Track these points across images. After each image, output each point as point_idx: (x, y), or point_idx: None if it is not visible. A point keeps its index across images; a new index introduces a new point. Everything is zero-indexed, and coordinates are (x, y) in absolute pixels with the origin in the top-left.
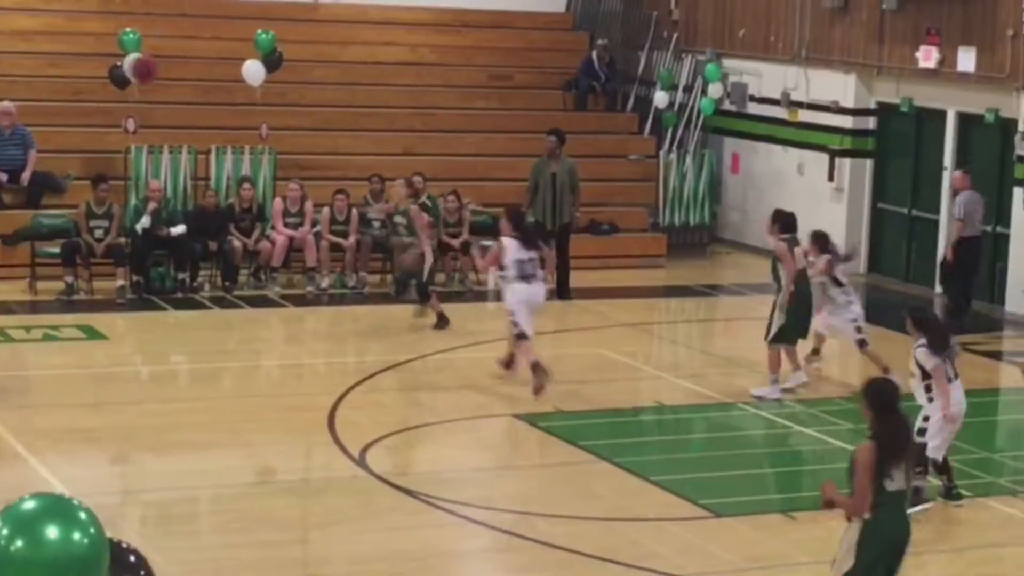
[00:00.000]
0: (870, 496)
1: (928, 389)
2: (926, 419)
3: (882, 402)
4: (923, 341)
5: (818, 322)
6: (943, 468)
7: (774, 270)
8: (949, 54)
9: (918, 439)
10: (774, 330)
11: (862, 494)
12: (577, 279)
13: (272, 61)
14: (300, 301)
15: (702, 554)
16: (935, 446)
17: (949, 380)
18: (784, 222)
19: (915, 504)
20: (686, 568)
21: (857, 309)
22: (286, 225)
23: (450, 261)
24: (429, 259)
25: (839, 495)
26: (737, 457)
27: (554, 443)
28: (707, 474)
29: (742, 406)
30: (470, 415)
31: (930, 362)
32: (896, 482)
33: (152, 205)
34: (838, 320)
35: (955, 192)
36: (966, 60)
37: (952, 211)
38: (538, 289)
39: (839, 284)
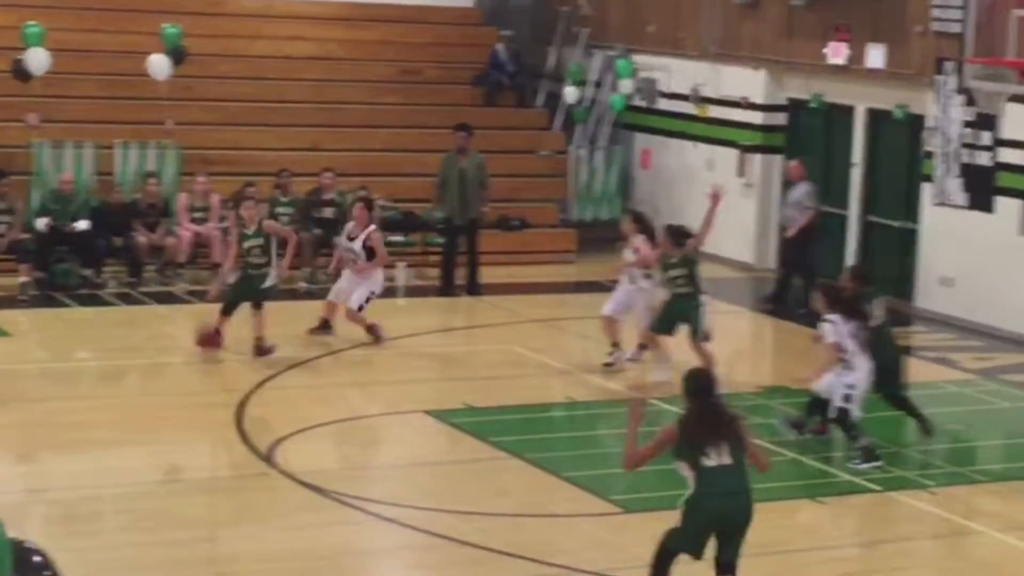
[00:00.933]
0: (640, 461)
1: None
2: (850, 386)
3: (692, 389)
4: (832, 317)
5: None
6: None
7: (692, 275)
8: (858, 50)
9: (842, 404)
10: (702, 328)
11: (639, 455)
12: (487, 275)
13: (177, 55)
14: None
15: (613, 549)
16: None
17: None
18: (677, 237)
19: (867, 461)
20: (597, 563)
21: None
22: (192, 220)
23: None
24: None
25: (631, 443)
26: None
27: (464, 439)
28: (617, 470)
29: (652, 401)
30: (380, 411)
31: (831, 337)
32: (713, 459)
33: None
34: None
35: (789, 183)
36: (875, 56)
37: (801, 201)
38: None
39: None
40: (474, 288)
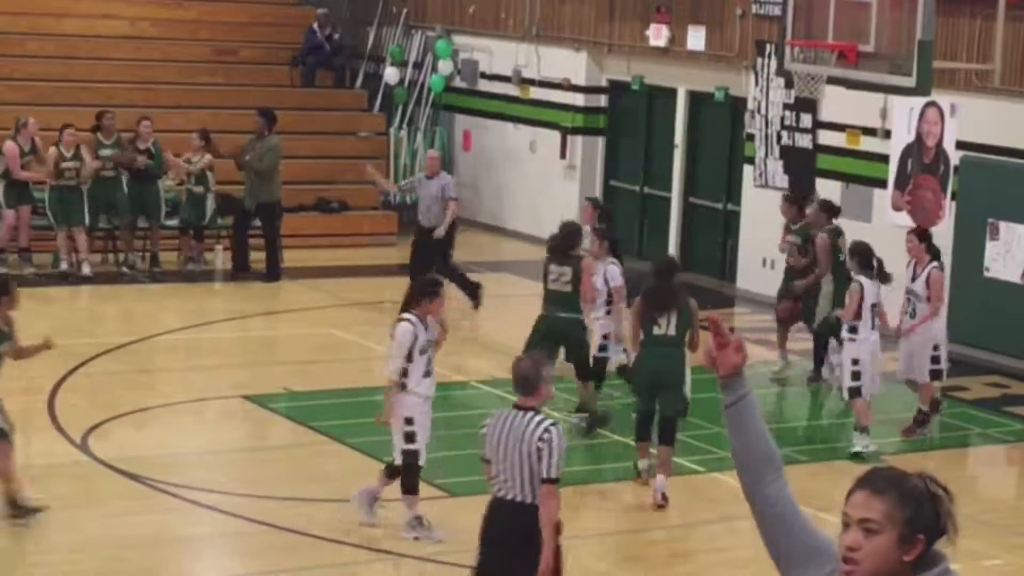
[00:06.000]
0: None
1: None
2: (606, 336)
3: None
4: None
5: None
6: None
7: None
8: (679, 32)
9: (599, 355)
10: None
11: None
12: (306, 258)
13: None
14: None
15: (438, 534)
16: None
17: None
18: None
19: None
20: (422, 549)
21: None
22: None
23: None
24: None
25: None
26: (471, 436)
27: (284, 424)
28: (442, 453)
29: (475, 384)
30: (197, 397)
31: (616, 281)
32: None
33: None
34: None
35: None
36: (696, 39)
37: (442, 194)
38: None
39: None
40: (273, 274)
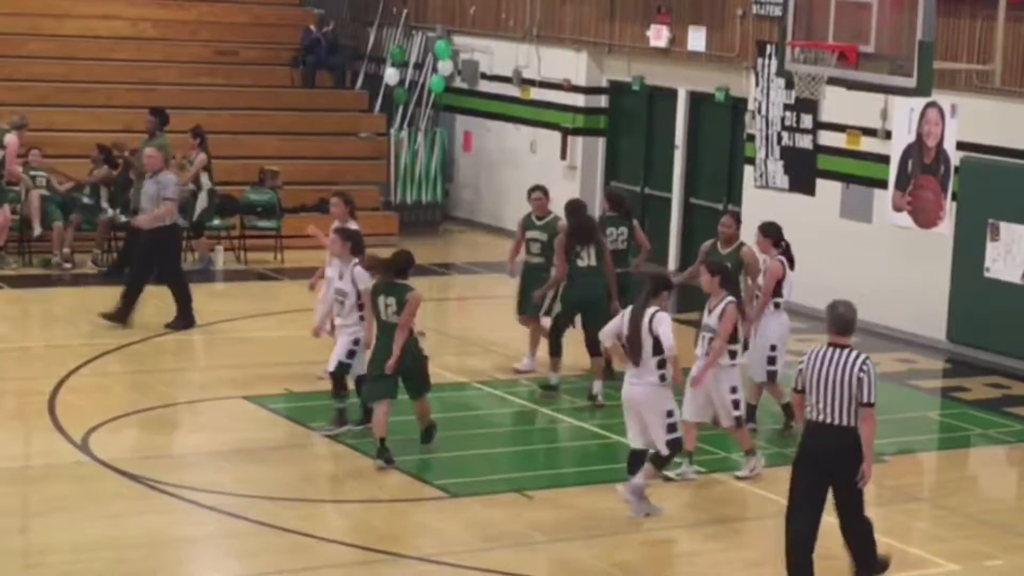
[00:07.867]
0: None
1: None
2: (356, 342)
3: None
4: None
5: None
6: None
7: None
8: (680, 33)
9: (346, 361)
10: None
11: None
12: (306, 258)
13: None
14: (16, 282)
15: (438, 535)
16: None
17: None
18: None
19: (338, 426)
20: (422, 549)
21: None
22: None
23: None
24: None
25: None
26: (471, 437)
27: (285, 425)
28: (442, 454)
29: (476, 385)
30: (198, 397)
31: (363, 283)
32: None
33: None
34: None
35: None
36: (696, 39)
37: (161, 194)
38: None
39: None
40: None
